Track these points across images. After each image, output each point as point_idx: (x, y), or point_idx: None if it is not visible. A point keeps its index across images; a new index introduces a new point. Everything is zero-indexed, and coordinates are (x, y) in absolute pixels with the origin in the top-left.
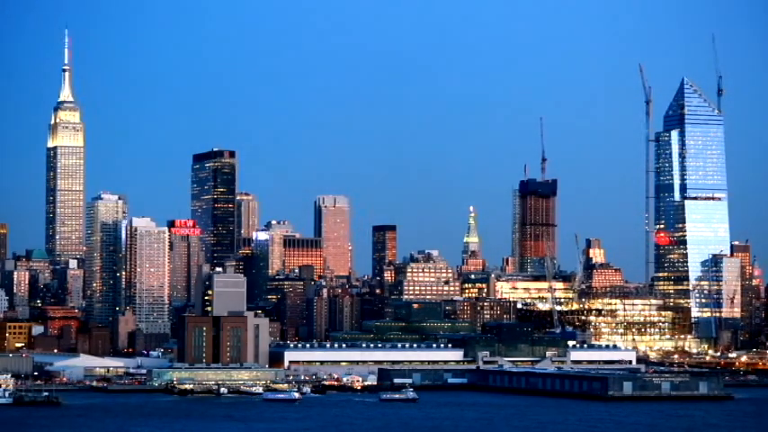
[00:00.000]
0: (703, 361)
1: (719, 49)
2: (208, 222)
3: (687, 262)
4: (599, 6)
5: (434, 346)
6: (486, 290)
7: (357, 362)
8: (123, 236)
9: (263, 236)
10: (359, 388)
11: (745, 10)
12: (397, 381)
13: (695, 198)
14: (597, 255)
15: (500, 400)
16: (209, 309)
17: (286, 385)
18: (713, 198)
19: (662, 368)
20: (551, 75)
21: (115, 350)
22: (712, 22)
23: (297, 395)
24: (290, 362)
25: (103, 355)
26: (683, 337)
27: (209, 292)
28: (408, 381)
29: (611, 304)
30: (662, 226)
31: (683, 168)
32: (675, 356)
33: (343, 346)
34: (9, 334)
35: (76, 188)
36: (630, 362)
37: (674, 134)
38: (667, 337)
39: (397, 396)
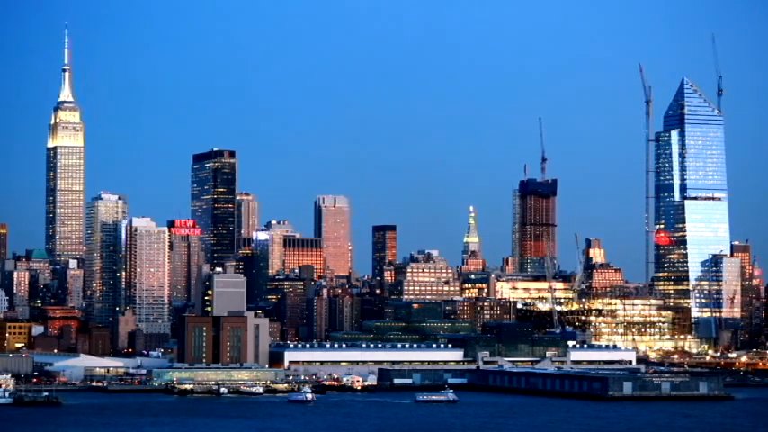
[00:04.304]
0: (703, 361)
1: (719, 49)
2: (208, 222)
3: (687, 262)
4: (599, 6)
5: (434, 346)
6: (486, 290)
7: (357, 362)
8: (123, 236)
9: (263, 236)
10: (359, 388)
11: (745, 10)
12: (397, 381)
13: (695, 198)
14: (597, 255)
15: (505, 399)
16: (209, 309)
17: (286, 385)
18: (713, 198)
19: (662, 368)
20: (551, 75)
21: (115, 350)
22: (712, 22)
23: (310, 396)
24: (290, 362)
25: (103, 355)
26: (683, 337)
27: (209, 292)
28: (408, 381)
29: (611, 304)
30: (662, 226)
31: (683, 168)
32: (675, 356)
33: (343, 346)
34: (9, 334)
35: (76, 188)
36: (630, 362)
37: (674, 134)
38: (667, 337)
39: (434, 397)
